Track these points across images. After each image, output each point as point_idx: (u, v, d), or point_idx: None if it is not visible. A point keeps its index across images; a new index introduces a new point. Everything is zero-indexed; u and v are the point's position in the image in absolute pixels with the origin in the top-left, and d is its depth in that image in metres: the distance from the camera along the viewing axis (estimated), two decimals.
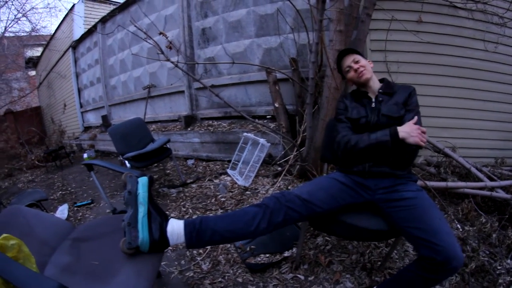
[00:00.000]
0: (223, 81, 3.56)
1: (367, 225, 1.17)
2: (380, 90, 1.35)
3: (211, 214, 2.34)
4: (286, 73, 2.72)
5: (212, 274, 1.59)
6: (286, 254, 1.67)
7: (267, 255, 1.68)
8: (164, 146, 2.95)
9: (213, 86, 3.57)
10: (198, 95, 3.87)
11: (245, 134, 3.03)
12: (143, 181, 1.09)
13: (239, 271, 1.59)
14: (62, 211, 3.17)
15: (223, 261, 1.68)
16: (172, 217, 1.12)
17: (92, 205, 3.27)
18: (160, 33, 2.26)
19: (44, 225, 1.20)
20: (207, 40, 3.80)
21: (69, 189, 4.09)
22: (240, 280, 1.52)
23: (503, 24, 2.99)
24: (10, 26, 8.31)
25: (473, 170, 2.44)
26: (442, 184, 2.26)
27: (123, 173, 1.14)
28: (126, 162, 2.87)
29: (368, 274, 1.44)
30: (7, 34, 8.00)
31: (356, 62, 1.38)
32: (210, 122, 3.66)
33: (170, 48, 2.06)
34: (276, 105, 2.98)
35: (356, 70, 1.36)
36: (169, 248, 1.83)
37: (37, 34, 9.96)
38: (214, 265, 1.66)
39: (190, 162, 3.50)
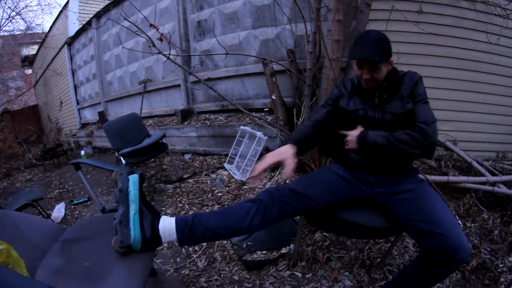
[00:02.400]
0: (219, 74, 3.51)
1: (366, 222, 1.13)
2: (385, 83, 1.21)
3: (207, 210, 2.30)
4: (283, 65, 2.66)
5: (208, 271, 1.57)
6: (284, 250, 1.63)
7: (264, 252, 1.65)
8: (160, 141, 2.91)
9: (209, 79, 3.51)
10: (194, 89, 3.82)
11: (242, 127, 2.98)
12: (134, 178, 1.07)
13: (235, 268, 1.56)
14: (59, 210, 3.16)
15: (219, 258, 1.66)
16: (164, 215, 1.10)
17: (89, 202, 3.26)
18: (151, 25, 2.20)
19: (34, 229, 1.19)
20: (203, 32, 3.74)
21: (66, 187, 4.09)
22: (236, 277, 1.49)
23: (505, 15, 2.93)
24: (4, 25, 8.25)
25: (475, 164, 2.42)
26: (443, 178, 2.22)
27: (113, 171, 1.11)
28: (122, 158, 2.82)
29: (367, 272, 1.41)
30: (1, 33, 7.94)
31: (372, 70, 1.13)
32: (207, 115, 3.62)
33: (161, 40, 2.00)
34: (273, 97, 2.93)
35: (366, 80, 1.17)
36: (163, 246, 1.80)
37: (32, 32, 9.88)
38: (210, 263, 1.63)
39: (187, 156, 3.46)
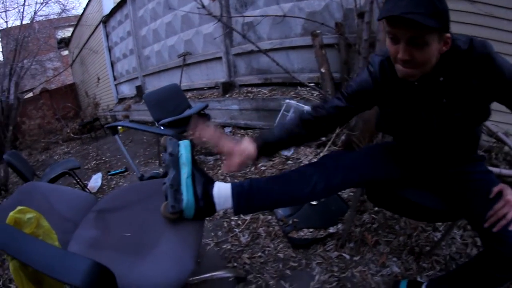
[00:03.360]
0: (263, 46, 3.34)
1: (429, 204, 1.00)
2: (441, 78, 0.80)
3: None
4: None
5: (251, 247, 1.49)
6: (331, 230, 1.52)
7: (311, 230, 1.54)
8: (202, 112, 2.83)
9: (252, 51, 3.37)
10: (236, 61, 3.69)
11: (287, 101, 2.83)
12: (185, 143, 0.98)
13: (280, 245, 1.48)
14: (96, 180, 3.22)
15: (264, 234, 1.57)
16: (218, 181, 0.99)
17: (126, 173, 3.28)
18: None
19: (65, 200, 1.09)
20: (245, 4, 3.58)
21: (104, 158, 4.16)
22: (281, 255, 1.41)
23: None
24: (39, 9, 8.52)
25: None
26: (495, 169, 1.98)
27: (157, 135, 1.02)
28: (162, 128, 2.77)
29: (416, 259, 1.30)
30: (37, 18, 8.20)
31: (413, 45, 0.72)
32: (249, 89, 3.51)
33: None
34: (323, 70, 2.75)
35: (402, 62, 0.76)
36: (217, 213, 1.73)
37: (67, 15, 10.17)
38: (254, 238, 1.56)
39: (227, 130, 3.38)
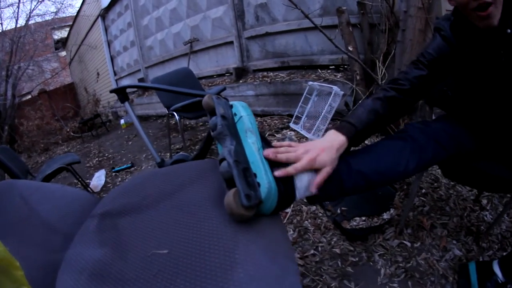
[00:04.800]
0: (279, 28, 3.13)
1: (504, 175, 0.93)
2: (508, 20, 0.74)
3: None
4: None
5: (300, 245, 1.32)
6: (385, 216, 1.39)
7: (363, 218, 1.39)
8: (219, 95, 2.58)
9: (267, 33, 3.15)
10: (249, 45, 3.46)
11: (310, 83, 2.60)
12: (242, 103, 0.66)
13: (334, 239, 1.32)
14: (99, 178, 2.93)
15: (311, 228, 1.40)
16: None
17: (132, 168, 3.02)
18: None
19: (51, 203, 0.75)
20: None
21: (106, 155, 3.93)
22: (337, 250, 1.25)
23: None
24: (35, 8, 8.31)
25: None
26: None
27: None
28: (175, 114, 2.51)
29: (475, 240, 1.25)
30: (33, 19, 8.01)
31: None
32: (265, 73, 3.28)
33: None
34: (350, 48, 2.53)
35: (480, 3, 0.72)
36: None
37: (63, 16, 9.98)
38: (301, 234, 1.38)
39: None
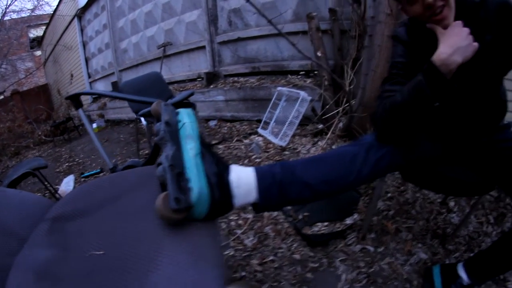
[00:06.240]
0: (251, 33, 3.15)
1: (465, 178, 0.97)
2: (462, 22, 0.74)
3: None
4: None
5: (259, 251, 1.31)
6: (348, 221, 1.39)
7: (326, 223, 1.39)
8: (186, 101, 2.56)
9: (239, 38, 3.16)
10: (221, 50, 3.46)
11: (279, 88, 2.62)
12: (187, 110, 0.69)
13: (294, 245, 1.32)
14: (68, 183, 2.86)
15: (272, 234, 1.39)
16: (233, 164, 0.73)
17: (101, 174, 2.97)
18: None
19: (5, 207, 0.76)
20: None
21: (77, 160, 3.83)
22: (297, 256, 1.25)
23: None
24: (11, 3, 8.01)
25: None
26: None
27: (149, 104, 0.72)
28: (143, 120, 2.47)
29: (441, 243, 1.25)
30: (9, 16, 7.72)
31: None
32: (236, 78, 3.29)
33: None
34: (319, 54, 2.58)
35: (429, 6, 0.73)
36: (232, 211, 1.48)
37: (39, 14, 9.65)
38: (261, 240, 1.37)
39: (212, 123, 3.14)
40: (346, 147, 0.85)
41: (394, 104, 0.78)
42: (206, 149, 0.65)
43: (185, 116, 0.66)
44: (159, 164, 0.58)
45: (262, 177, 0.70)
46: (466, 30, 0.71)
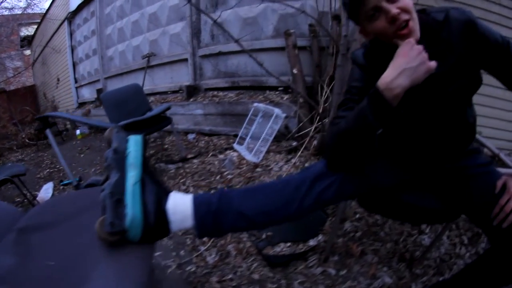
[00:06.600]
0: (232, 48, 3.20)
1: (427, 204, 0.93)
2: (424, 42, 0.69)
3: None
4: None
5: (220, 268, 1.33)
6: (311, 243, 1.39)
7: (288, 244, 1.40)
8: (163, 114, 2.59)
9: (220, 53, 3.20)
10: (203, 63, 3.50)
11: (255, 104, 2.67)
12: (136, 138, 0.75)
13: (254, 264, 1.33)
14: (47, 190, 2.85)
15: (234, 252, 1.41)
16: (174, 191, 0.77)
17: (81, 182, 2.97)
18: None
19: None
20: (216, 4, 3.43)
21: (58, 166, 3.79)
22: (256, 276, 1.26)
23: None
24: (3, 0, 7.93)
25: (502, 156, 2.28)
26: None
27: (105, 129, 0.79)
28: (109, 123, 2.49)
29: (408, 266, 1.23)
30: (0, 12, 7.63)
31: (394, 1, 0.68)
32: (215, 92, 3.32)
33: None
34: (295, 71, 2.65)
35: (393, 19, 0.68)
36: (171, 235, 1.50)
37: (32, 12, 9.55)
38: (222, 257, 1.39)
39: (191, 136, 3.15)
40: (293, 175, 0.83)
41: (339, 132, 0.75)
42: (149, 176, 0.71)
43: (132, 144, 0.71)
44: (103, 190, 0.65)
45: (198, 205, 0.74)
46: (417, 49, 0.65)
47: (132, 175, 0.67)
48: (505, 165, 2.20)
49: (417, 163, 0.88)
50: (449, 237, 1.37)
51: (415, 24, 0.69)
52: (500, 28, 2.63)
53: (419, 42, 0.69)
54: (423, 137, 0.83)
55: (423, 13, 0.76)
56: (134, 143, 0.73)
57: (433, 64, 0.65)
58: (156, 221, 0.67)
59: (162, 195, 0.71)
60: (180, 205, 0.72)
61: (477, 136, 2.31)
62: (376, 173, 0.83)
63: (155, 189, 0.70)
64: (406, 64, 0.65)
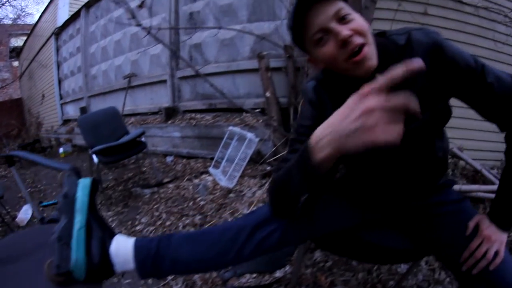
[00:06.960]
0: (210, 70, 3.25)
1: (392, 244, 0.85)
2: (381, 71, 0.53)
3: (187, 221, 2.03)
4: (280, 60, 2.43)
5: None
6: (278, 274, 1.39)
7: (254, 275, 1.40)
8: (138, 139, 2.62)
9: (197, 75, 3.23)
10: (181, 85, 3.54)
11: (230, 128, 2.70)
12: (84, 182, 0.79)
13: None
14: (26, 211, 2.83)
15: (199, 283, 1.41)
16: (119, 233, 0.80)
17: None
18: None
19: None
20: (194, 25, 3.48)
21: (39, 186, 3.79)
22: None
23: (507, 23, 2.82)
24: None
25: (485, 172, 2.24)
26: (455, 187, 2.02)
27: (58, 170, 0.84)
28: (94, 156, 2.51)
29: None
30: None
31: (343, 19, 0.59)
32: (193, 115, 3.35)
33: (141, 7, 1.73)
34: (268, 94, 2.69)
35: (345, 43, 0.58)
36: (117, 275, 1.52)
37: (22, 23, 9.52)
38: (188, 287, 1.39)
39: (169, 159, 3.17)
40: (234, 221, 0.80)
41: (273, 181, 0.69)
42: (96, 220, 0.76)
43: (79, 189, 0.76)
44: (54, 232, 0.71)
45: (139, 249, 0.76)
46: (368, 106, 0.43)
47: (78, 220, 0.73)
48: (487, 181, 2.16)
49: (381, 202, 0.81)
50: (427, 262, 1.31)
51: (370, 50, 0.59)
52: (478, 39, 2.74)
53: (375, 70, 0.59)
54: (386, 174, 0.75)
55: (382, 36, 0.67)
56: (82, 187, 0.77)
57: (385, 136, 0.43)
58: (100, 263, 0.72)
59: (107, 238, 0.75)
60: (121, 248, 0.76)
61: (458, 152, 2.34)
62: (325, 219, 0.77)
63: (100, 234, 0.74)
64: (339, 125, 0.46)
